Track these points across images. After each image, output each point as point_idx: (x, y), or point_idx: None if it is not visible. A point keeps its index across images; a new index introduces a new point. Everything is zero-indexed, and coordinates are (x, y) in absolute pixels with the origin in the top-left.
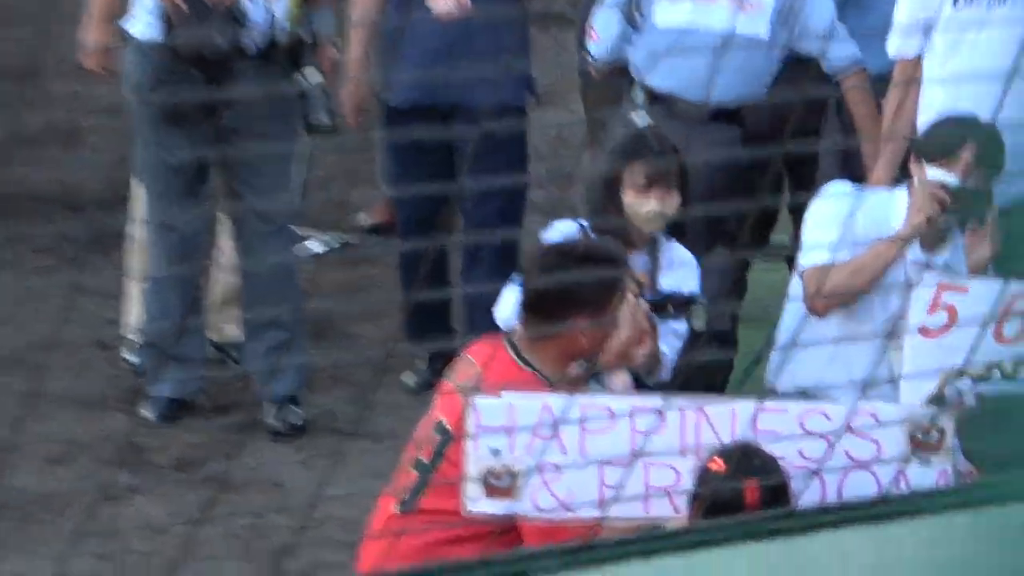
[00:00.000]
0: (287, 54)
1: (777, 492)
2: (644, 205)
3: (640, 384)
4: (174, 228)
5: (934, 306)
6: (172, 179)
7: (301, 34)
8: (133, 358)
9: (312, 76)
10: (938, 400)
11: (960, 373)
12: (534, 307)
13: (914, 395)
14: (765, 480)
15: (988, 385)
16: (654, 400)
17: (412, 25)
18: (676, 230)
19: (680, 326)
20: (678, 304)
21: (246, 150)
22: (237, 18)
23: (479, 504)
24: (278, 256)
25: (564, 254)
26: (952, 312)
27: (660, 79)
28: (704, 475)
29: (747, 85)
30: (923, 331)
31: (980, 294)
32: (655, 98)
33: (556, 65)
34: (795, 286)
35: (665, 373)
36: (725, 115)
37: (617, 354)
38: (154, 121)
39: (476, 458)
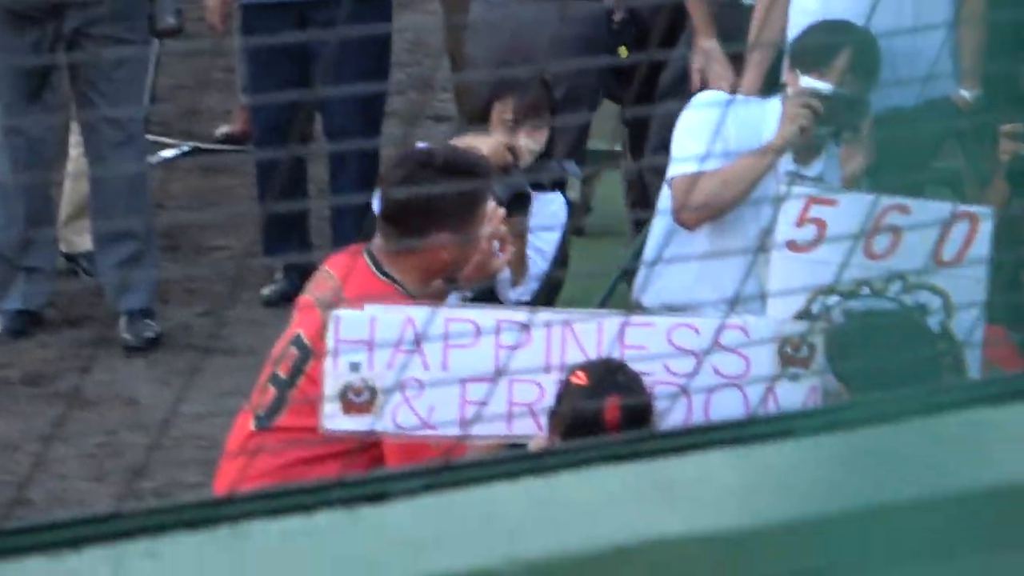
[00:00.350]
0: None
1: (640, 412)
2: (513, 142)
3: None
4: (20, 133)
5: (802, 219)
6: (16, 82)
7: None
8: None
9: None
10: (806, 317)
11: (829, 290)
12: (392, 219)
13: (781, 312)
14: (627, 398)
15: (857, 302)
16: (520, 314)
17: None
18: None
19: (547, 242)
20: (551, 174)
21: (94, 54)
22: None
23: (337, 421)
24: (129, 165)
25: (424, 163)
26: (821, 226)
27: None
28: (565, 388)
29: None
30: (791, 245)
31: (850, 208)
32: None
33: None
34: (664, 198)
35: (532, 283)
36: None
37: (476, 265)
38: None
39: (335, 373)
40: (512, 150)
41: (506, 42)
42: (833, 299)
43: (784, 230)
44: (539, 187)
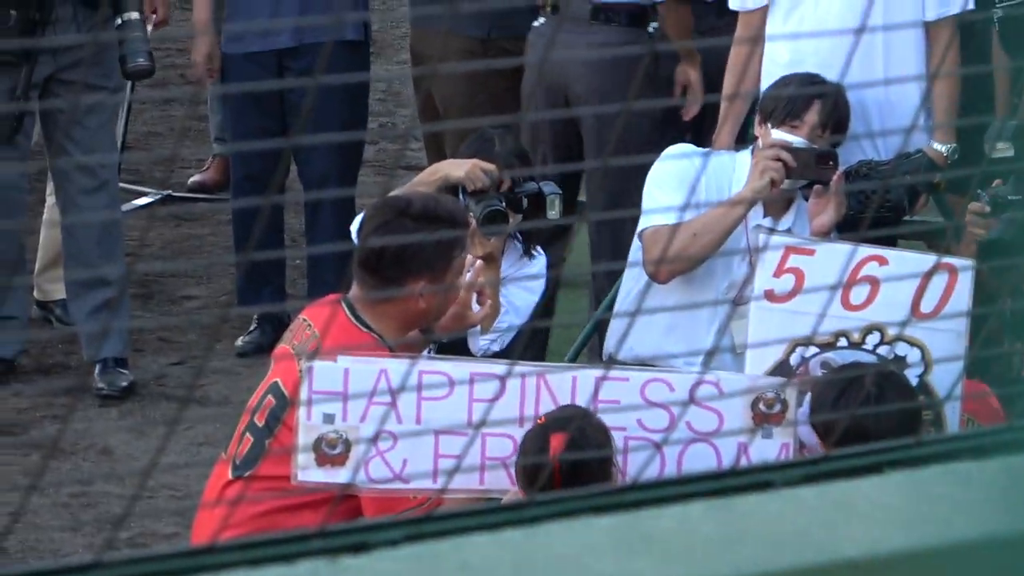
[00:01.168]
0: None
1: (587, 449)
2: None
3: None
4: None
5: (781, 270)
6: None
7: None
8: None
9: (129, 16)
10: (783, 369)
11: (807, 341)
12: (369, 267)
13: (759, 363)
14: (578, 437)
15: (834, 354)
16: (495, 367)
17: None
18: None
19: (523, 301)
20: (532, 197)
21: (66, 100)
22: None
23: (310, 473)
24: (101, 212)
25: (401, 211)
26: (799, 276)
27: None
28: (531, 429)
29: None
30: (769, 295)
31: (828, 257)
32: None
33: (382, 15)
34: (635, 251)
35: (506, 334)
36: (616, 15)
37: (454, 316)
38: None
39: (308, 425)
40: (488, 172)
41: (544, 87)
42: (811, 351)
43: (763, 279)
44: (517, 207)
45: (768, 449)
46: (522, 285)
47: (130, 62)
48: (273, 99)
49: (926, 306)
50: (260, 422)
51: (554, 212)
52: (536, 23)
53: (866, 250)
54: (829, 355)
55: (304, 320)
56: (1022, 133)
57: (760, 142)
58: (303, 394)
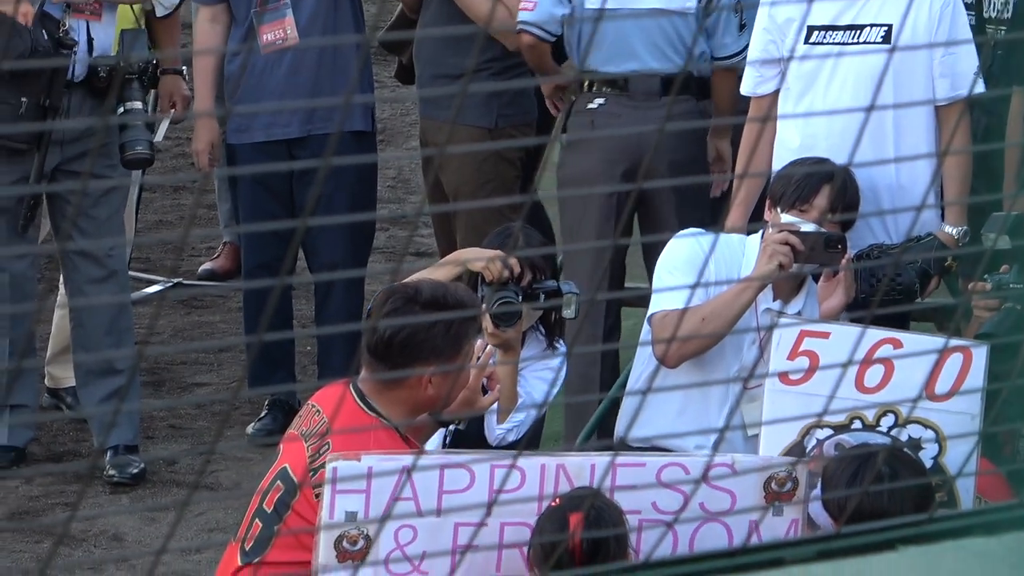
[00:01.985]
0: (121, 84)
1: (604, 525)
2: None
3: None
4: (2, 270)
5: (795, 352)
6: (2, 218)
7: (133, 62)
8: None
9: (132, 104)
10: (797, 451)
11: (819, 423)
12: (378, 354)
13: (773, 446)
14: (592, 515)
15: (849, 436)
16: (512, 456)
17: (253, 61)
18: None
19: (539, 392)
20: (548, 293)
21: (73, 189)
22: (63, 42)
23: (331, 570)
24: (110, 300)
25: (410, 299)
26: (814, 359)
27: (615, 64)
28: (547, 510)
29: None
30: (783, 378)
31: (842, 340)
32: (606, 83)
33: (392, 99)
34: (645, 334)
35: (523, 424)
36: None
37: (463, 401)
38: None
39: (330, 522)
40: (508, 265)
41: (617, 158)
42: (825, 432)
43: (777, 362)
44: (533, 302)
45: (778, 526)
46: (540, 376)
47: (128, 150)
48: (284, 189)
49: (941, 388)
50: (269, 508)
51: (570, 312)
52: (593, 104)
53: (880, 333)
54: (843, 437)
55: (313, 405)
56: (1021, 224)
57: (769, 226)
58: (325, 492)
